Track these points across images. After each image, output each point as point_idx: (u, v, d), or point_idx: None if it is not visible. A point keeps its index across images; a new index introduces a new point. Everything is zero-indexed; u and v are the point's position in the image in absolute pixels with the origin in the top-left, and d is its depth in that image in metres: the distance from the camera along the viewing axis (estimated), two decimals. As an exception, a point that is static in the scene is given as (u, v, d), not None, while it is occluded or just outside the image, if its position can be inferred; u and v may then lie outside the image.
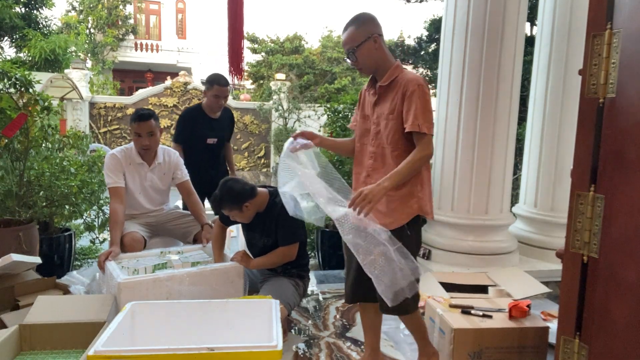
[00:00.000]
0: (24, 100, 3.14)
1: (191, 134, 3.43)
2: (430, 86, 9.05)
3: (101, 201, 3.74)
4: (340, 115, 5.28)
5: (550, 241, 3.46)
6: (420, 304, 2.63)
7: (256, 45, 16.11)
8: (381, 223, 1.75)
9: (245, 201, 2.44)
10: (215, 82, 3.36)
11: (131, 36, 17.29)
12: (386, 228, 1.74)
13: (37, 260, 2.56)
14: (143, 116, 2.91)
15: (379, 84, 1.93)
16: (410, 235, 1.86)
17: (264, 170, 11.46)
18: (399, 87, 1.86)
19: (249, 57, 16.41)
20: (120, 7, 15.80)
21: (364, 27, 1.86)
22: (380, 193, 1.70)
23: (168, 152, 3.13)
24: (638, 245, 1.32)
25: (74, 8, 15.32)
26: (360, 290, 2.00)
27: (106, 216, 3.81)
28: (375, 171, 1.94)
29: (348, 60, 1.96)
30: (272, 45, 15.99)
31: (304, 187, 1.85)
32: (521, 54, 3.25)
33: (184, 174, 3.15)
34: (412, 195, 1.87)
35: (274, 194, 2.53)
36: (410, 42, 8.38)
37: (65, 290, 2.65)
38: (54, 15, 12.81)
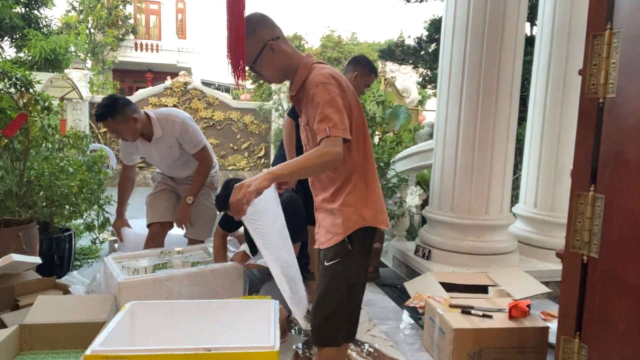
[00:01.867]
0: (24, 100, 3.14)
1: None
2: (430, 86, 9.05)
3: (101, 201, 3.74)
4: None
5: (550, 241, 3.46)
6: (420, 304, 2.64)
7: (256, 45, 16.09)
8: (323, 241, 1.65)
9: None
10: (374, 71, 3.06)
11: (131, 36, 17.28)
12: (327, 245, 1.63)
13: (37, 260, 2.56)
14: (97, 117, 2.73)
15: (289, 95, 1.70)
16: (352, 250, 1.63)
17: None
18: (306, 90, 1.59)
19: (249, 57, 16.41)
20: (120, 7, 15.79)
21: (254, 35, 1.57)
22: (258, 182, 1.40)
23: (167, 122, 2.84)
24: (638, 245, 1.32)
25: (74, 8, 15.32)
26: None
27: (106, 216, 3.81)
28: (314, 188, 1.75)
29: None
30: (272, 45, 15.98)
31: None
32: (521, 54, 3.25)
33: (193, 146, 2.91)
34: (347, 205, 1.62)
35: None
36: (410, 42, 8.38)
37: (65, 290, 2.64)
38: (54, 15, 12.83)
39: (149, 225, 3.08)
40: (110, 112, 2.65)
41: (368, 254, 1.73)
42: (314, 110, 1.52)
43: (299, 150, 2.70)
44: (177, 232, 3.19)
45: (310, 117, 1.57)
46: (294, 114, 2.88)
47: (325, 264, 1.65)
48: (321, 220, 1.72)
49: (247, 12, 1.57)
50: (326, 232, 1.66)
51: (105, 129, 10.54)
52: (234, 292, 2.46)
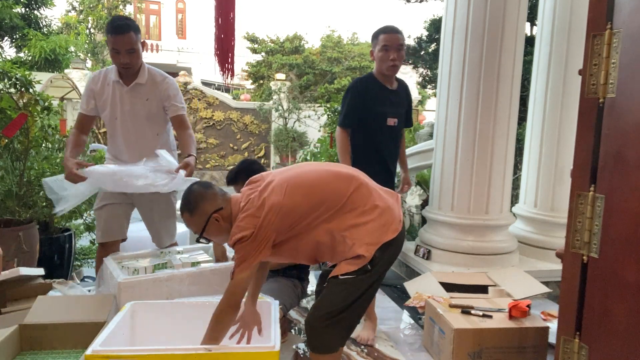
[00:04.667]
0: (24, 100, 3.14)
1: (366, 112, 2.57)
2: (430, 86, 9.05)
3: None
4: (340, 115, 5.30)
5: (550, 241, 3.46)
6: (420, 304, 2.64)
7: (256, 45, 16.12)
8: (341, 269, 1.64)
9: None
10: (380, 31, 2.56)
11: (131, 36, 17.28)
12: (346, 271, 1.62)
13: (41, 272, 2.55)
14: (120, 28, 2.36)
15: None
16: (370, 270, 1.64)
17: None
18: None
19: (249, 57, 16.42)
20: (120, 7, 15.79)
21: (197, 211, 1.66)
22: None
23: (156, 74, 2.58)
24: (638, 245, 1.32)
25: (74, 8, 15.31)
26: None
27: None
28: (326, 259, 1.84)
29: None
30: (272, 45, 16.00)
31: None
32: (521, 54, 3.25)
33: (179, 108, 2.58)
34: (346, 252, 1.64)
35: None
36: (410, 42, 8.38)
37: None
38: (54, 15, 12.85)
39: (104, 244, 2.68)
40: (134, 27, 2.43)
41: (389, 265, 1.74)
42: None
43: (357, 161, 2.51)
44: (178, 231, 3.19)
45: None
46: (345, 121, 2.59)
47: (339, 277, 1.63)
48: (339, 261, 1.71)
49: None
50: (347, 265, 1.64)
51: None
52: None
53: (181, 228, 3.25)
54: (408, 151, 4.62)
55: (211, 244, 2.78)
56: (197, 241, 1.76)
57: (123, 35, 2.36)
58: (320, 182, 1.67)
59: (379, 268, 1.67)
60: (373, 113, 2.55)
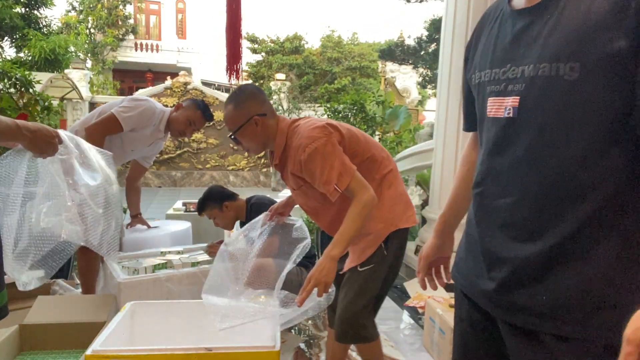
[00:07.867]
0: (24, 100, 3.15)
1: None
2: (430, 86, 9.08)
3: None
4: (340, 115, 5.30)
5: (550, 241, 3.46)
6: (420, 304, 2.64)
7: (256, 45, 16.14)
8: (355, 259, 1.67)
9: (225, 201, 2.64)
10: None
11: (131, 36, 17.30)
12: (361, 260, 1.65)
13: (42, 273, 2.54)
14: (211, 118, 2.82)
15: (274, 163, 1.74)
16: (387, 255, 1.68)
17: (264, 170, 11.47)
18: (291, 158, 1.63)
19: (249, 57, 16.46)
20: (120, 7, 15.81)
21: (243, 106, 1.63)
22: (330, 267, 1.48)
23: None
24: (638, 245, 1.32)
25: (74, 8, 15.33)
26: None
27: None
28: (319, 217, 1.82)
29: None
30: (272, 45, 16.02)
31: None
32: (521, 54, 3.24)
33: None
34: (370, 226, 1.64)
35: (249, 200, 2.68)
36: (410, 42, 8.40)
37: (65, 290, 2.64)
38: (54, 15, 12.84)
39: None
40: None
41: (402, 256, 1.77)
42: (309, 175, 1.57)
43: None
44: (177, 228, 3.19)
45: (300, 181, 1.64)
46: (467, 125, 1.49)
47: (359, 269, 1.65)
48: (351, 247, 1.72)
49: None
50: (361, 252, 1.67)
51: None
52: (234, 292, 2.46)
53: (183, 226, 3.25)
54: (408, 151, 4.59)
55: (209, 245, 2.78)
56: (230, 137, 1.70)
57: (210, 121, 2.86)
58: (374, 143, 1.77)
59: (391, 257, 1.69)
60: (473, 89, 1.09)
